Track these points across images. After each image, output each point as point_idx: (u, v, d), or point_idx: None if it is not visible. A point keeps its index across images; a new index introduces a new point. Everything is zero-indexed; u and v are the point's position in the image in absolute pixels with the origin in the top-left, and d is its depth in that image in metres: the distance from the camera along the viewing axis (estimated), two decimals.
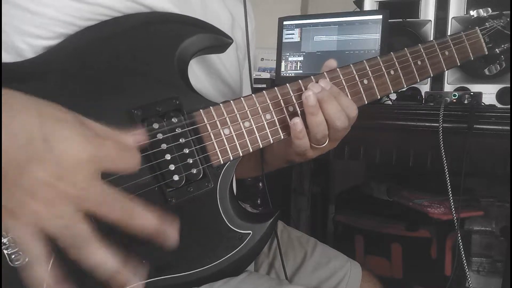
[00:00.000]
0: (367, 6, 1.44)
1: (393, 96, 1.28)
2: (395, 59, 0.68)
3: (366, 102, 0.66)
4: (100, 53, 0.56)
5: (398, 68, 0.68)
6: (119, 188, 0.43)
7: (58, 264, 0.40)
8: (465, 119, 1.03)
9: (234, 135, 0.59)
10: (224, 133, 0.59)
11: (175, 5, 0.62)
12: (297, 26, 1.44)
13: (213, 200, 0.59)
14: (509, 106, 1.11)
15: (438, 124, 1.04)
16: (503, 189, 1.51)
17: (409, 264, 1.59)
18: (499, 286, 1.53)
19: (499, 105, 1.17)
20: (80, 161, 0.39)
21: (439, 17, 1.35)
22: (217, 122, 0.58)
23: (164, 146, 0.55)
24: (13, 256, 0.47)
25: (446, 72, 1.27)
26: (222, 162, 0.59)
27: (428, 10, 1.36)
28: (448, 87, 1.28)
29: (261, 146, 0.61)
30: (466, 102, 1.09)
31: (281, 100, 0.62)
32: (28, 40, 0.55)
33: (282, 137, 0.62)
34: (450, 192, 1.03)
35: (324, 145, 0.63)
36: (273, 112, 0.61)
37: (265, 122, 0.61)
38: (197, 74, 0.67)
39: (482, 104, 1.11)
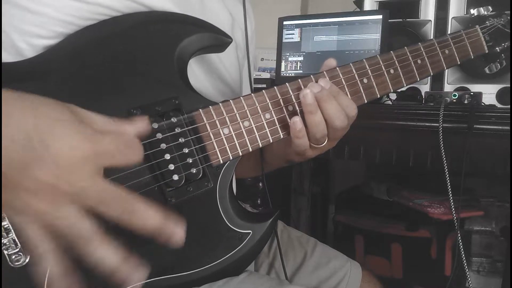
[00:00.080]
0: (367, 6, 1.44)
1: (393, 96, 1.28)
2: (395, 58, 0.67)
3: (365, 101, 0.66)
4: (99, 52, 0.55)
5: (398, 67, 0.68)
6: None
7: (65, 258, 0.41)
8: (465, 119, 1.03)
9: (233, 135, 0.59)
10: (223, 133, 0.58)
11: (175, 4, 0.62)
12: (297, 26, 1.44)
13: (212, 200, 0.58)
14: (509, 106, 1.11)
15: (438, 124, 1.04)
16: (503, 189, 1.51)
17: (409, 264, 1.59)
18: (499, 286, 1.53)
19: (499, 105, 1.17)
20: (78, 159, 0.39)
21: (439, 17, 1.35)
22: (217, 122, 0.58)
23: (163, 145, 0.55)
24: (13, 257, 0.47)
25: (446, 72, 1.27)
26: (221, 161, 0.59)
27: (428, 10, 1.37)
28: (448, 87, 1.28)
29: (260, 145, 0.61)
30: (466, 102, 1.09)
31: (281, 100, 0.62)
32: (28, 39, 0.55)
33: (282, 136, 0.62)
34: (450, 192, 1.03)
35: (323, 144, 0.63)
36: (272, 112, 0.61)
37: (264, 122, 0.61)
38: (197, 74, 0.67)
39: (482, 104, 1.11)
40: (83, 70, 0.54)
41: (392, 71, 0.67)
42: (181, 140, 0.56)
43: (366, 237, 1.67)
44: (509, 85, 1.17)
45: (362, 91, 0.65)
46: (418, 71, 0.69)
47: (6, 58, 0.55)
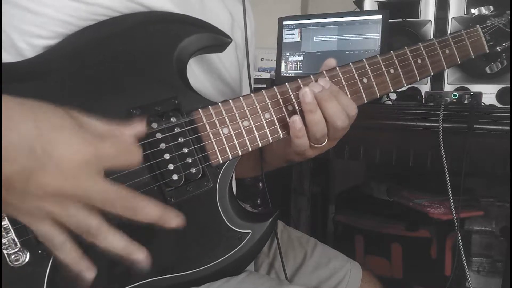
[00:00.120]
0: (367, 6, 1.44)
1: (393, 96, 1.28)
2: (395, 57, 0.67)
3: (365, 101, 0.66)
4: (99, 53, 0.56)
5: (398, 67, 0.67)
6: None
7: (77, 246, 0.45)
8: (465, 119, 1.03)
9: (233, 135, 0.59)
10: (223, 133, 0.58)
11: (174, 4, 0.62)
12: (297, 26, 1.44)
13: (212, 200, 0.58)
14: (509, 106, 1.11)
15: (438, 124, 1.04)
16: (503, 189, 1.51)
17: (409, 264, 1.59)
18: (499, 286, 1.53)
19: (499, 105, 1.17)
20: (79, 163, 0.41)
21: (439, 17, 1.35)
22: (216, 122, 0.58)
23: (163, 145, 0.55)
24: (12, 256, 0.47)
25: (446, 72, 1.27)
26: (221, 161, 0.58)
27: (428, 10, 1.36)
28: (448, 87, 1.28)
29: (260, 145, 0.61)
30: (466, 102, 1.09)
31: (280, 99, 0.62)
32: (28, 39, 0.55)
33: (281, 136, 0.62)
34: (450, 192, 1.03)
35: (323, 144, 0.62)
36: (272, 111, 0.61)
37: (264, 121, 0.61)
38: (196, 74, 0.67)
39: (482, 104, 1.11)
40: (83, 70, 0.54)
41: (392, 71, 0.67)
42: (181, 140, 0.56)
43: (366, 237, 1.67)
44: (509, 85, 1.17)
45: (362, 91, 0.65)
46: (418, 71, 0.69)
47: (6, 58, 0.55)
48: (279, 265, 0.80)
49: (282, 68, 1.46)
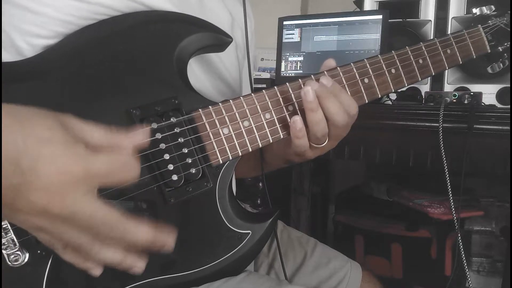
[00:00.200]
0: (367, 6, 1.44)
1: (393, 96, 1.28)
2: (396, 57, 0.67)
3: (366, 101, 0.65)
4: (99, 52, 0.55)
5: (399, 67, 0.67)
6: (118, 189, 0.44)
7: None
8: (465, 119, 1.03)
9: (233, 135, 0.59)
10: (223, 133, 0.58)
11: (174, 4, 0.62)
12: (297, 26, 1.44)
13: (212, 200, 0.58)
14: (509, 106, 1.11)
15: (438, 124, 1.04)
16: (503, 189, 1.51)
17: (409, 264, 1.59)
18: (499, 286, 1.53)
19: (499, 105, 1.17)
20: (67, 184, 0.39)
21: (439, 17, 1.35)
22: (216, 122, 0.58)
23: (162, 145, 0.55)
24: (12, 256, 0.47)
25: (446, 72, 1.27)
26: (221, 161, 0.58)
27: (428, 10, 1.36)
28: (448, 87, 1.28)
29: (260, 145, 0.60)
30: (466, 102, 1.09)
31: (281, 99, 0.61)
32: (28, 39, 0.55)
33: (282, 136, 0.62)
34: (450, 192, 1.03)
35: (323, 144, 0.62)
36: (272, 111, 0.61)
37: (264, 122, 0.60)
38: (197, 73, 0.67)
39: (482, 104, 1.11)
40: (82, 69, 0.54)
41: (393, 70, 0.67)
42: (181, 140, 0.56)
43: (366, 237, 1.67)
44: (509, 85, 1.17)
45: (363, 91, 0.65)
46: (419, 70, 0.69)
47: (6, 57, 0.55)
48: (278, 265, 0.80)
49: (282, 68, 1.46)
